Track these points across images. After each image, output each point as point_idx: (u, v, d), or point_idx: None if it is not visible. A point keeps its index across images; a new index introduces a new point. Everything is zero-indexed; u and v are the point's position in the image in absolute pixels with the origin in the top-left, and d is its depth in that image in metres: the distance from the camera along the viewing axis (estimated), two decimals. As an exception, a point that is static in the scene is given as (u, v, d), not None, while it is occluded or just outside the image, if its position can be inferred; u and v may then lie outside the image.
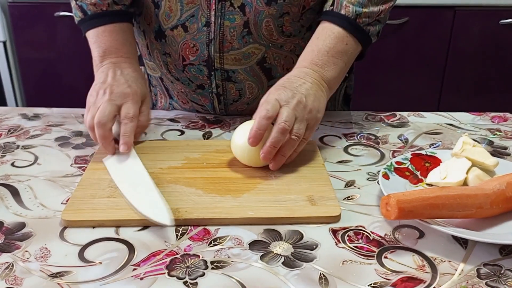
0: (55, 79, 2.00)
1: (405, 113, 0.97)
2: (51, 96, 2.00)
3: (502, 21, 1.86)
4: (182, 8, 0.85)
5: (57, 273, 0.54)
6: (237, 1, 0.82)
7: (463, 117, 0.96)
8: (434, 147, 0.84)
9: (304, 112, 0.73)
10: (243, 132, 0.72)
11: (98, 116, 0.75)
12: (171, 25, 0.87)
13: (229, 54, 0.87)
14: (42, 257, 0.56)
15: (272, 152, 0.70)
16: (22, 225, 0.62)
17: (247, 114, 0.93)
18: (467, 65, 1.96)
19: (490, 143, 0.86)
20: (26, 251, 0.57)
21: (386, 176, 0.69)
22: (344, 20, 0.80)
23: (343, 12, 0.81)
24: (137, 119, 0.78)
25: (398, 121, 0.94)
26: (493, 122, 0.95)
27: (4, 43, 1.91)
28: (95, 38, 0.86)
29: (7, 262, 0.55)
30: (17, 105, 2.00)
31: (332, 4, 0.83)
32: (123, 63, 0.84)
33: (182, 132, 0.88)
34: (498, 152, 0.83)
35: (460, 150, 0.72)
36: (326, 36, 0.81)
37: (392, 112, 0.98)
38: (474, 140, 0.85)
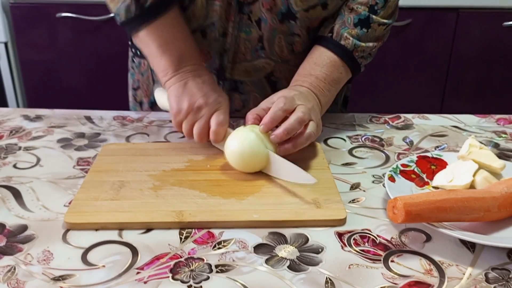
0: (57, 80, 1.99)
1: (409, 115, 0.97)
2: (53, 97, 2.00)
3: (505, 23, 1.86)
4: (207, 14, 0.84)
5: (60, 276, 0.53)
6: (254, 15, 0.83)
7: (468, 119, 0.95)
8: (439, 149, 0.83)
9: (317, 117, 0.77)
10: (237, 139, 0.71)
11: (216, 125, 0.76)
12: (193, 28, 0.86)
13: (241, 65, 0.89)
14: (44, 260, 0.56)
15: (283, 138, 0.72)
16: (24, 228, 0.61)
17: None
18: (470, 67, 1.95)
19: (496, 145, 0.85)
20: (28, 254, 0.57)
21: (392, 179, 0.68)
22: (343, 50, 0.84)
23: (343, 42, 0.84)
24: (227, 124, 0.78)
25: (402, 123, 0.93)
26: (498, 124, 0.94)
27: (6, 44, 1.90)
28: (160, 42, 0.79)
29: (9, 265, 0.55)
30: (18, 106, 2.00)
31: (331, 31, 0.85)
32: (199, 70, 0.81)
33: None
34: (504, 154, 0.82)
35: (467, 153, 0.71)
36: (324, 63, 0.83)
37: (397, 114, 0.97)
38: (480, 142, 0.85)
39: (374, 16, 0.84)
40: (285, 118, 0.73)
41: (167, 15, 0.80)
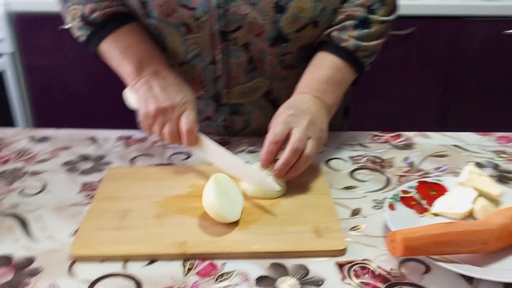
0: (62, 88, 2.00)
1: (411, 134, 0.97)
2: (58, 104, 2.01)
3: (506, 31, 1.86)
4: (187, 48, 0.86)
5: (66, 312, 0.55)
6: (241, 41, 0.83)
7: (469, 138, 0.96)
8: (440, 171, 0.84)
9: (316, 131, 0.77)
10: (212, 188, 0.67)
11: (186, 125, 0.78)
12: (178, 62, 0.89)
13: (236, 88, 0.90)
14: (51, 294, 0.57)
15: (284, 170, 0.74)
16: (31, 260, 0.62)
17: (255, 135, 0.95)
18: (471, 75, 1.95)
19: (496, 166, 0.86)
20: (35, 288, 0.58)
21: (392, 207, 0.69)
22: (344, 52, 0.83)
23: (343, 44, 0.83)
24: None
25: (404, 143, 0.94)
26: (499, 143, 0.94)
27: (13, 53, 1.92)
28: (120, 49, 0.84)
29: (17, 301, 0.56)
30: (25, 115, 2.01)
31: (329, 36, 0.85)
32: (161, 71, 0.83)
33: (189, 156, 0.89)
34: (503, 176, 0.83)
35: (466, 180, 0.72)
36: (325, 66, 0.84)
37: (398, 133, 0.98)
38: (480, 163, 0.86)
39: (373, 16, 0.84)
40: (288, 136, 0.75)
41: (121, 28, 0.84)
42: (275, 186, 0.73)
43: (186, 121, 0.78)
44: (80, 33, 0.87)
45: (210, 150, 0.80)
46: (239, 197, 0.71)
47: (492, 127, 1.05)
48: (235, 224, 0.68)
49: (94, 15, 0.83)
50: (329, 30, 0.85)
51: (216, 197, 0.66)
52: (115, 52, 0.85)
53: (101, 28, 0.85)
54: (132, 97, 0.86)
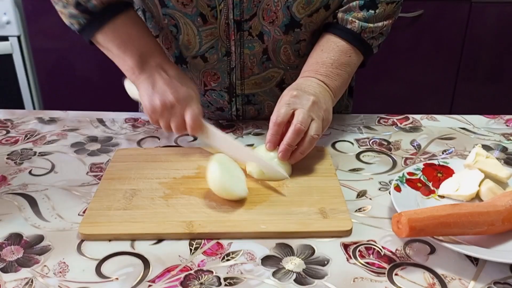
0: (69, 70, 2.01)
1: (418, 116, 0.97)
2: (65, 86, 2.01)
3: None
4: (201, 41, 0.85)
5: (75, 289, 0.56)
6: (255, 30, 0.83)
7: (477, 121, 0.95)
8: (447, 154, 0.83)
9: (320, 112, 0.77)
10: (217, 164, 0.69)
11: (191, 119, 0.78)
12: (191, 55, 0.88)
13: (250, 79, 0.90)
14: (60, 272, 0.58)
15: (288, 150, 0.74)
16: (41, 238, 0.63)
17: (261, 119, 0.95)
18: (482, 57, 1.93)
19: (504, 149, 0.85)
20: (45, 265, 0.59)
21: (397, 189, 0.69)
22: (349, 34, 0.83)
23: (349, 26, 0.83)
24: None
25: (411, 125, 0.94)
26: (507, 125, 0.94)
27: (19, 37, 1.92)
28: (120, 41, 0.81)
29: (26, 278, 0.57)
30: (32, 97, 2.02)
31: (335, 17, 0.84)
32: (163, 65, 0.82)
33: (195, 138, 0.89)
34: (511, 159, 0.82)
35: (473, 162, 0.72)
36: (331, 48, 0.83)
37: (405, 115, 0.97)
38: (488, 146, 0.85)
39: None
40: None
41: (119, 17, 0.81)
42: (281, 171, 0.73)
43: (191, 115, 0.78)
44: (73, 21, 0.82)
45: (216, 137, 0.80)
46: (242, 174, 0.72)
47: (504, 111, 1.04)
48: (241, 204, 0.68)
49: (93, 2, 0.79)
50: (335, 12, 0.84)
51: (221, 174, 0.67)
52: (114, 44, 0.81)
53: (98, 17, 0.80)
54: (133, 88, 0.86)
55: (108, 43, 0.82)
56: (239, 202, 0.68)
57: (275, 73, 0.90)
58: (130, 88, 0.88)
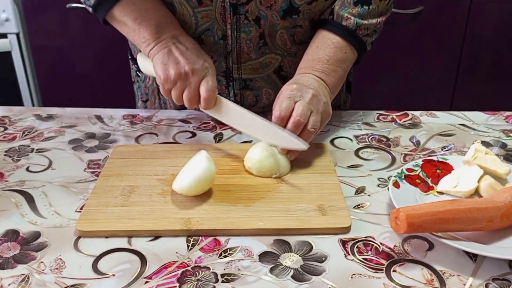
0: (68, 67, 2.01)
1: (417, 113, 0.97)
2: (64, 83, 2.01)
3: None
4: (197, 22, 0.84)
5: (72, 285, 0.55)
6: (252, 14, 0.83)
7: (476, 117, 0.95)
8: (446, 150, 0.83)
9: (319, 105, 0.77)
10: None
11: (206, 92, 0.77)
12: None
13: (247, 64, 0.89)
14: (57, 268, 0.58)
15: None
16: (38, 235, 0.63)
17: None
18: (482, 54, 1.92)
19: (503, 145, 0.85)
20: (41, 262, 0.59)
21: (396, 185, 0.69)
22: (344, 31, 0.83)
23: (344, 23, 0.83)
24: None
25: (410, 122, 0.93)
26: (507, 122, 0.93)
27: (18, 34, 1.92)
28: (137, 14, 0.80)
29: (23, 274, 0.57)
30: (31, 95, 2.02)
31: (331, 14, 0.85)
32: (180, 37, 0.81)
33: (194, 134, 0.89)
34: (510, 155, 0.82)
35: (472, 158, 0.71)
36: (326, 45, 0.83)
37: (404, 112, 0.97)
38: (487, 142, 0.85)
39: None
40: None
41: None
42: (299, 143, 0.72)
43: (207, 87, 0.77)
44: None
45: (231, 112, 0.78)
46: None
47: (504, 108, 1.04)
48: (239, 201, 0.68)
49: None
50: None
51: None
52: (131, 17, 0.81)
53: None
54: (146, 62, 0.85)
55: (125, 17, 0.82)
56: (237, 199, 0.68)
57: (273, 59, 0.90)
58: (143, 62, 0.87)
